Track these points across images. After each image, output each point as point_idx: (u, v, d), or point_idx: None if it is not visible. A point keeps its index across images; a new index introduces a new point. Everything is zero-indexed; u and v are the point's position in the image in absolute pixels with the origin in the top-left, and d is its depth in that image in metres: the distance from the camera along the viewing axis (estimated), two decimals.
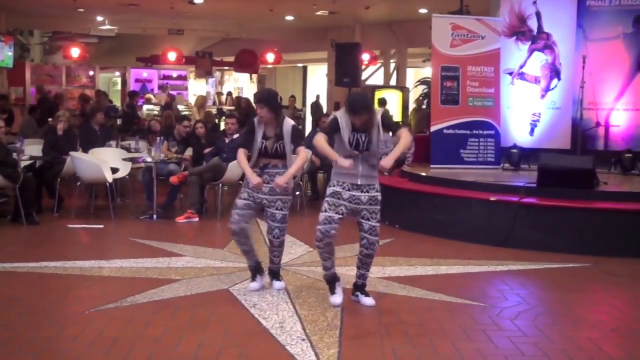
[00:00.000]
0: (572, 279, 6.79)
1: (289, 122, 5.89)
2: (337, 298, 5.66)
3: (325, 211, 5.48)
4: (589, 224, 7.87)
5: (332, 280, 5.73)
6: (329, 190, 5.55)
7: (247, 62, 22.47)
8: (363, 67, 18.50)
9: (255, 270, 6.11)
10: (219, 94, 24.43)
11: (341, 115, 5.48)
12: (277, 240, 5.92)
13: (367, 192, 5.47)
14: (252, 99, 21.65)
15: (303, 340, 4.78)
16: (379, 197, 5.52)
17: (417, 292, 6.06)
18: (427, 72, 21.19)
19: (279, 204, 5.82)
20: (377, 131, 5.43)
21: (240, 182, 9.91)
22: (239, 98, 22.60)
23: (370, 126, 5.41)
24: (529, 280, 6.81)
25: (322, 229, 5.45)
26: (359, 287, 5.80)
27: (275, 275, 6.16)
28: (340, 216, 5.46)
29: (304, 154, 5.89)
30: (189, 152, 10.31)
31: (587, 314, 5.61)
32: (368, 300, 5.72)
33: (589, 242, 7.75)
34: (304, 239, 7.96)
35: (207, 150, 10.27)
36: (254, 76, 26.78)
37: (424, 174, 9.92)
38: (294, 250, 7.59)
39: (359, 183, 5.45)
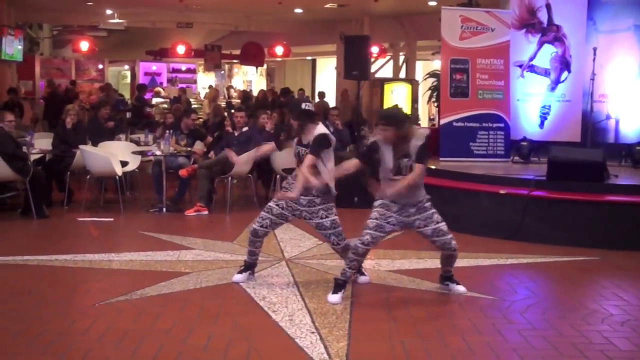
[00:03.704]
0: (582, 272, 6.77)
1: (317, 130, 5.76)
2: (336, 298, 5.51)
3: (376, 219, 5.49)
4: (599, 217, 7.85)
5: (343, 285, 5.61)
6: (378, 202, 5.56)
7: (252, 54, 22.48)
8: (372, 60, 18.44)
9: (249, 267, 6.11)
10: (229, 87, 24.47)
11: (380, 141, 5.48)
12: (338, 247, 5.88)
13: (414, 205, 5.50)
14: (261, 90, 21.78)
15: (312, 333, 4.79)
16: (427, 204, 5.56)
17: (427, 285, 6.05)
18: (436, 64, 21.14)
19: (322, 214, 5.77)
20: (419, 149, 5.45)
21: (250, 175, 9.94)
22: (245, 92, 22.64)
23: (407, 148, 5.42)
24: (539, 273, 6.79)
25: (373, 235, 5.48)
26: (448, 277, 5.90)
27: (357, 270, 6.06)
28: (391, 227, 5.51)
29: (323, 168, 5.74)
30: (198, 145, 10.33)
31: (597, 308, 5.59)
32: (460, 288, 5.83)
33: (599, 235, 7.71)
34: (313, 232, 7.95)
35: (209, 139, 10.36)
36: (264, 69, 26.78)
37: (433, 167, 9.88)
38: (303, 243, 7.60)
39: (402, 202, 5.48)
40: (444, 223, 5.58)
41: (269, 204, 5.92)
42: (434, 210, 5.58)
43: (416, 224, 5.53)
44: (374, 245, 5.54)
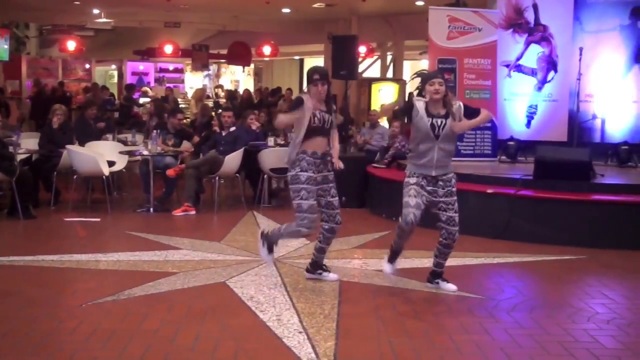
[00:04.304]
0: (568, 271, 6.81)
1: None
2: (390, 268, 5.88)
3: (415, 196, 5.53)
4: (585, 216, 7.89)
5: (398, 251, 5.85)
6: (412, 179, 5.59)
7: (239, 54, 22.43)
8: (360, 59, 18.46)
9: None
10: (218, 87, 24.42)
11: (416, 100, 5.60)
12: (338, 225, 5.89)
13: (442, 183, 5.58)
14: (251, 89, 21.76)
15: (300, 332, 4.79)
16: (454, 189, 5.64)
17: (414, 285, 6.07)
18: (424, 64, 21.18)
19: (333, 191, 5.84)
20: (454, 116, 5.52)
21: (237, 175, 9.93)
22: (231, 91, 22.58)
23: (447, 105, 5.52)
24: (526, 272, 6.82)
25: (416, 213, 5.50)
26: (438, 274, 5.94)
27: (321, 267, 6.19)
28: (424, 205, 5.58)
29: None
30: (186, 145, 10.30)
31: (583, 306, 5.62)
32: (450, 286, 5.87)
33: (585, 234, 7.76)
34: None
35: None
36: (251, 69, 26.71)
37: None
38: (291, 242, 7.56)
39: (433, 174, 5.55)
40: (458, 214, 5.67)
41: (299, 203, 5.72)
42: (456, 197, 5.65)
43: (439, 205, 5.60)
44: (417, 222, 5.54)
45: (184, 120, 12.43)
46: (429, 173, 5.56)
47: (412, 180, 5.60)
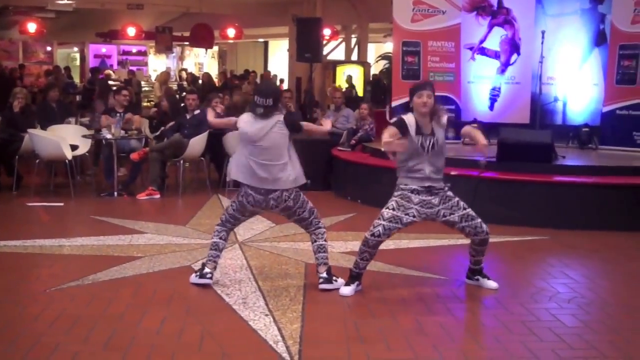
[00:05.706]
0: (531, 251, 6.91)
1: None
2: (347, 290, 5.34)
3: (393, 209, 5.25)
4: (548, 198, 8.01)
5: (356, 277, 5.44)
6: (397, 192, 5.32)
7: (201, 36, 22.26)
8: (324, 42, 18.44)
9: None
10: (181, 70, 24.26)
11: (406, 117, 5.31)
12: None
13: (437, 194, 5.27)
14: (212, 75, 21.63)
15: (266, 315, 4.82)
16: (450, 193, 5.33)
17: (379, 267, 6.10)
18: (388, 47, 21.25)
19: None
20: (443, 132, 5.31)
21: (202, 158, 9.89)
22: (193, 75, 22.42)
23: (435, 121, 5.27)
24: (489, 253, 6.85)
25: (386, 226, 5.22)
26: (478, 271, 5.67)
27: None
28: (411, 219, 5.25)
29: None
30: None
31: (545, 286, 5.72)
32: (491, 283, 5.58)
33: (548, 215, 7.88)
34: (266, 215, 7.95)
35: (169, 125, 10.17)
36: (215, 51, 26.53)
37: (383, 149, 9.93)
38: (256, 226, 7.59)
39: (426, 185, 5.24)
40: (470, 209, 5.38)
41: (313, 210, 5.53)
42: (457, 198, 5.34)
43: (441, 213, 5.27)
44: (386, 237, 5.27)
45: (148, 103, 12.29)
46: (422, 184, 5.25)
47: (397, 192, 5.33)
